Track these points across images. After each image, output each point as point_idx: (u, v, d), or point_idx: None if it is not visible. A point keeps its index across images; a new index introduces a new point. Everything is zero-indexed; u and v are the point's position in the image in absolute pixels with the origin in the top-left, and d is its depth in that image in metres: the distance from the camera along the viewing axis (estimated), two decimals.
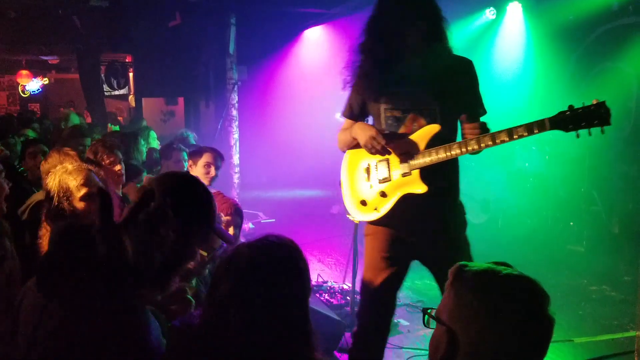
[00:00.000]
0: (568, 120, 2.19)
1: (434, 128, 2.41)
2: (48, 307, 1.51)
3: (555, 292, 4.68)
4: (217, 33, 7.60)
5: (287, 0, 7.29)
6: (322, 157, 7.82)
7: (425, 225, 2.50)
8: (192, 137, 5.57)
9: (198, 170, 3.71)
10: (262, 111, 9.05)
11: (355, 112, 2.66)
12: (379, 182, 2.54)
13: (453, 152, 2.38)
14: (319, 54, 9.11)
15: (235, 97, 7.36)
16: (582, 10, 6.16)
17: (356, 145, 2.63)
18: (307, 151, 8.72)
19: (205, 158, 3.74)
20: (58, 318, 1.49)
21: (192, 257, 1.68)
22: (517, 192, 6.47)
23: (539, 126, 2.24)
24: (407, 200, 2.45)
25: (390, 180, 2.50)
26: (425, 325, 1.34)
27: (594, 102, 2.15)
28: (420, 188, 2.43)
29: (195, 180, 1.74)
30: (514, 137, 2.28)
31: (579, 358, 3.57)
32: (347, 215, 2.78)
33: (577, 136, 2.21)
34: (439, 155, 2.39)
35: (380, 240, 2.55)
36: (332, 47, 8.98)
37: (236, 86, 7.30)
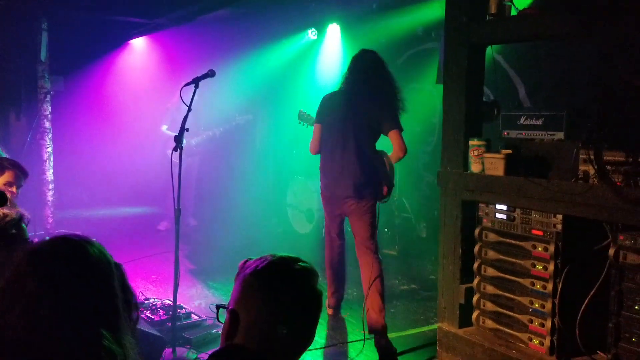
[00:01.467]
0: None
1: None
2: None
3: None
4: (27, 38, 7.00)
5: (105, 8, 6.96)
6: (148, 172, 7.54)
7: None
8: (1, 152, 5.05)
9: None
10: (81, 124, 8.46)
11: None
12: None
13: None
14: (145, 65, 8.83)
15: (48, 108, 6.80)
16: (392, 34, 6.75)
17: None
18: (132, 166, 8.33)
19: (7, 177, 3.42)
20: None
21: None
22: None
23: None
24: None
25: None
26: (218, 321, 1.51)
27: None
28: None
29: None
30: None
31: None
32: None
33: None
34: None
35: None
36: (157, 58, 8.77)
37: (49, 96, 6.77)
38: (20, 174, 3.62)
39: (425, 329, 4.28)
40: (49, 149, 6.83)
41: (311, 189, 6.88)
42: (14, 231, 2.31)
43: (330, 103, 4.18)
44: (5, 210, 2.35)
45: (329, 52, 7.53)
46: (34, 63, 6.87)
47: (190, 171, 7.00)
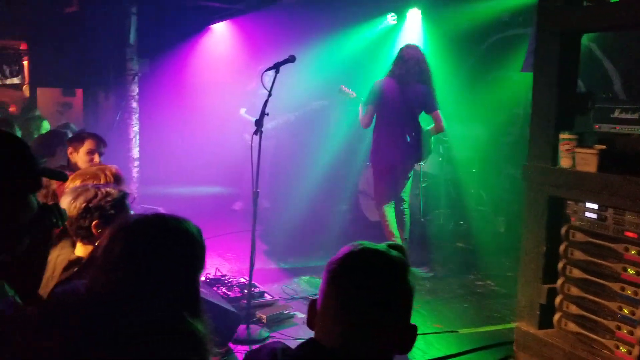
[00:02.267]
0: None
1: None
2: None
3: (444, 286, 4.95)
4: (117, 22, 7.29)
5: None
6: (226, 154, 7.72)
7: None
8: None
9: (80, 157, 3.56)
10: (164, 105, 8.77)
11: None
12: None
13: None
14: (224, 49, 9.00)
15: (135, 89, 7.10)
16: (476, 19, 6.50)
17: None
18: (210, 147, 8.57)
19: (88, 145, 3.61)
20: None
21: (23, 210, 1.61)
22: (412, 191, 6.69)
23: None
24: None
25: None
26: None
27: None
28: None
29: None
30: None
31: (463, 348, 3.73)
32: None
33: None
34: None
35: None
36: (237, 43, 8.91)
37: (136, 77, 7.04)
38: (100, 141, 3.81)
39: (500, 327, 4.13)
40: (135, 128, 7.13)
41: None
42: (112, 212, 2.31)
43: (384, 88, 5.03)
44: (110, 189, 2.38)
45: (409, 38, 7.37)
46: (123, 46, 7.15)
47: (266, 154, 7.08)
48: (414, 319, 1.30)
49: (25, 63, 11.41)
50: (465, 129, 6.40)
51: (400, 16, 7.46)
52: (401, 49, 5.06)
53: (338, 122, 8.38)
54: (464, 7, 6.53)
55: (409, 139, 5.00)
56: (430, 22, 7.12)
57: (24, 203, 1.61)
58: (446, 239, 6.26)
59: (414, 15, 7.30)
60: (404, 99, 4.96)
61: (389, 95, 4.98)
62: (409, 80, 4.95)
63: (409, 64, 4.95)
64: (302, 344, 1.28)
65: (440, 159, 6.55)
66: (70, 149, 3.73)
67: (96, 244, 2.00)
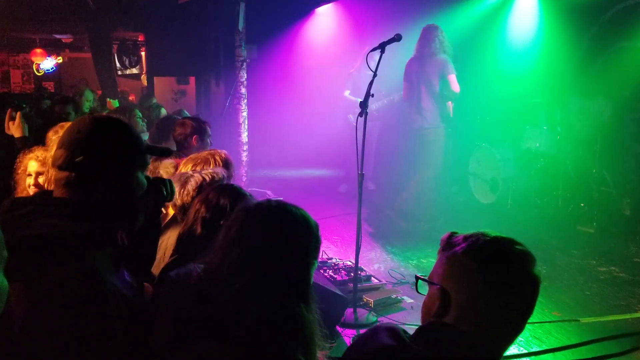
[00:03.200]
0: None
1: None
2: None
3: (562, 272, 4.67)
4: (227, 10, 7.52)
5: None
6: (331, 136, 7.76)
7: None
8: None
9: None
10: (271, 90, 8.98)
11: None
12: None
13: None
14: (329, 32, 9.01)
15: (244, 75, 7.29)
16: None
17: None
18: (316, 130, 8.66)
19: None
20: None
21: (135, 188, 1.68)
22: (527, 172, 6.37)
23: None
24: None
25: None
26: (417, 291, 1.41)
27: None
28: None
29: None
30: None
31: (584, 338, 3.48)
32: None
33: None
34: None
35: None
36: (343, 25, 8.87)
37: (245, 64, 7.23)
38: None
39: (627, 316, 3.82)
40: (244, 113, 7.34)
41: (496, 157, 6.51)
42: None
43: (407, 67, 5.91)
44: (218, 170, 2.46)
45: (523, 10, 6.96)
46: (232, 33, 7.36)
47: (370, 136, 7.04)
48: None
49: (142, 54, 12.15)
50: (585, 104, 5.95)
51: None
52: (422, 29, 5.77)
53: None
54: None
55: (424, 106, 5.74)
56: None
57: (136, 180, 1.68)
58: (565, 222, 5.90)
59: None
60: (422, 73, 5.73)
61: (410, 72, 5.88)
62: (428, 55, 5.67)
63: (428, 41, 5.65)
64: (434, 328, 1.31)
65: (558, 137, 6.16)
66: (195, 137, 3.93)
67: (188, 218, 2.07)
